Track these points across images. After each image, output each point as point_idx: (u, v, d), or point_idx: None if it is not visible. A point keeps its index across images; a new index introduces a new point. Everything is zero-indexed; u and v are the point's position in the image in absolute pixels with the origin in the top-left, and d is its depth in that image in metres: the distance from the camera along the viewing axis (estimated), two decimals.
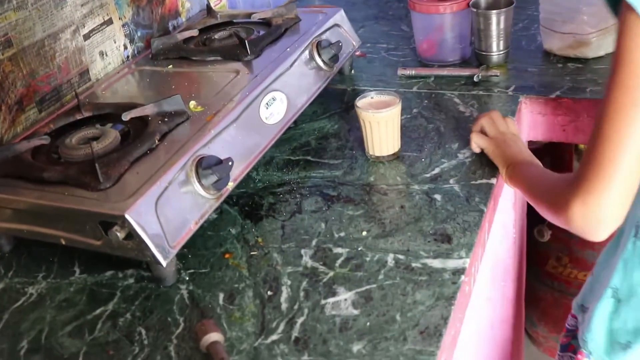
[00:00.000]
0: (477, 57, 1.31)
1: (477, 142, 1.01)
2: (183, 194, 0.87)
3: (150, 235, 0.81)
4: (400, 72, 1.30)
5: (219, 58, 1.18)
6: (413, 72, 1.30)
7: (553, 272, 1.73)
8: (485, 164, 1.01)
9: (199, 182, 0.88)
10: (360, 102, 1.04)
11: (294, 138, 1.15)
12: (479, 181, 0.97)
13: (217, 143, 0.94)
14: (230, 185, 0.93)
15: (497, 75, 1.24)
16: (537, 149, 1.36)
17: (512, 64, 1.30)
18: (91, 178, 0.85)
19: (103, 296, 0.86)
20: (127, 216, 0.79)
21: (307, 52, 1.18)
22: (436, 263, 0.83)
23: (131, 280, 0.88)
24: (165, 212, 0.84)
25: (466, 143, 1.06)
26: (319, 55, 1.19)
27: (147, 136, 0.93)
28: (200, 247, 0.92)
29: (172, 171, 0.87)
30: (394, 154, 1.04)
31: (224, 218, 0.98)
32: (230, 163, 0.90)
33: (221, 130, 0.96)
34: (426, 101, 1.21)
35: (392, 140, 1.03)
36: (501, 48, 1.28)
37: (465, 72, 1.27)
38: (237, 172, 0.96)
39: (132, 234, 0.80)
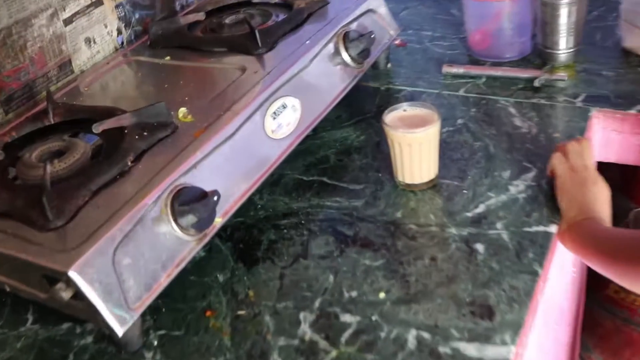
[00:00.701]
0: (539, 55, 1.08)
1: (557, 167, 0.80)
2: (154, 236, 0.69)
3: (104, 297, 0.63)
4: (446, 69, 1.09)
5: (224, 49, 0.99)
6: (461, 70, 1.08)
7: (615, 298, 1.50)
8: (543, 203, 0.79)
9: (175, 221, 0.70)
10: (389, 118, 0.83)
11: (310, 150, 0.95)
12: (535, 228, 0.76)
13: (204, 168, 0.75)
14: (218, 221, 0.74)
15: (563, 80, 1.01)
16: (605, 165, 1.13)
17: (583, 64, 1.06)
18: (38, 213, 0.68)
19: (53, 358, 0.70)
20: (71, 274, 0.62)
21: (331, 45, 0.97)
22: (471, 350, 0.63)
23: (89, 339, 0.71)
24: (127, 262, 0.66)
25: (520, 171, 0.84)
26: (346, 49, 0.98)
27: (118, 156, 0.75)
28: (178, 297, 0.74)
29: (141, 207, 0.68)
30: (429, 182, 0.84)
31: (213, 257, 0.79)
32: (215, 198, 0.72)
33: (211, 151, 0.77)
34: (474, 109, 0.99)
35: (427, 165, 0.83)
36: (570, 45, 1.04)
37: (525, 73, 1.04)
38: (230, 203, 0.77)
39: (79, 295, 0.63)
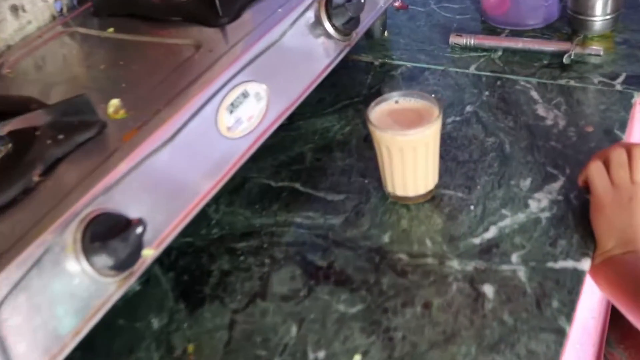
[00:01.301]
0: (569, 22, 0.88)
1: (594, 180, 0.61)
2: (58, 282, 0.52)
3: None
4: (454, 40, 0.89)
5: (179, 19, 0.80)
6: (472, 41, 0.88)
7: None
8: (573, 226, 0.61)
9: (88, 260, 0.53)
10: (375, 113, 0.65)
11: (282, 145, 0.77)
12: (561, 263, 0.58)
13: (131, 184, 0.58)
14: (149, 254, 0.58)
15: (599, 55, 0.82)
16: None
17: (623, 34, 0.87)
18: None
19: None
20: None
21: (310, 13, 0.78)
22: None
23: None
24: (15, 321, 0.50)
25: (544, 180, 0.66)
26: (329, 18, 0.79)
27: (21, 168, 0.58)
28: (101, 350, 0.58)
29: (38, 244, 0.51)
30: (426, 194, 0.66)
31: (149, 293, 0.63)
32: (140, 229, 0.54)
33: (142, 160, 0.59)
34: (487, 93, 0.80)
35: (423, 175, 0.65)
36: (608, 10, 0.84)
37: (551, 46, 0.84)
38: (168, 228, 0.60)
39: None
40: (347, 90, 0.85)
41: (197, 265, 0.65)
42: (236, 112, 0.67)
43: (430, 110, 0.64)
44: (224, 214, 0.70)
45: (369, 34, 0.94)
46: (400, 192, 0.66)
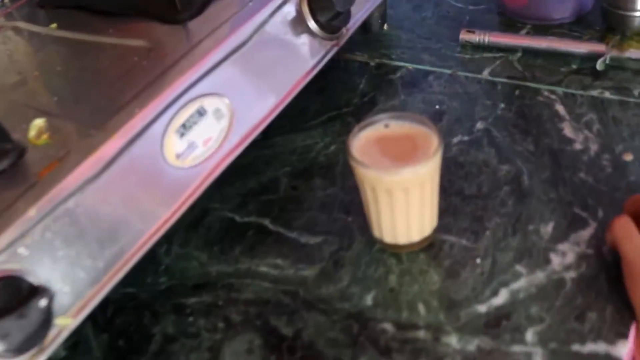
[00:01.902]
0: (603, 17, 0.74)
1: (623, 243, 0.47)
2: None
3: None
4: (465, 36, 0.75)
5: (132, 14, 0.67)
6: (487, 38, 0.74)
7: None
8: (606, 292, 0.48)
9: None
10: (358, 141, 0.52)
11: (253, 167, 0.65)
12: (591, 347, 0.45)
13: (41, 236, 0.45)
14: (65, 324, 0.46)
15: None
16: None
17: None
18: None
19: None
20: None
21: (289, 7, 0.65)
22: None
23: None
24: None
25: (570, 226, 0.53)
26: (312, 13, 0.65)
27: None
28: None
29: None
30: (421, 242, 0.53)
31: None
32: (43, 302, 0.42)
33: (60, 203, 0.47)
34: (503, 105, 0.66)
35: (418, 219, 0.51)
36: None
37: (581, 47, 0.70)
38: (94, 289, 0.48)
39: None
40: (335, 98, 0.71)
41: (136, 326, 0.52)
42: (189, 134, 0.55)
43: (428, 139, 0.50)
44: (176, 258, 0.57)
45: (365, 27, 0.80)
46: (389, 239, 0.53)
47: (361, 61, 0.76)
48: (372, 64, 0.75)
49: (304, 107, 0.70)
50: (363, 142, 0.51)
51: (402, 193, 0.49)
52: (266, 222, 0.59)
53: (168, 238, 0.58)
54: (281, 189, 0.61)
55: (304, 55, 0.66)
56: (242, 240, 0.57)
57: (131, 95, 0.54)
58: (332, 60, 0.68)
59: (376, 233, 0.54)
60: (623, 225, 0.47)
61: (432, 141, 0.50)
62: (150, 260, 0.57)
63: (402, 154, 0.50)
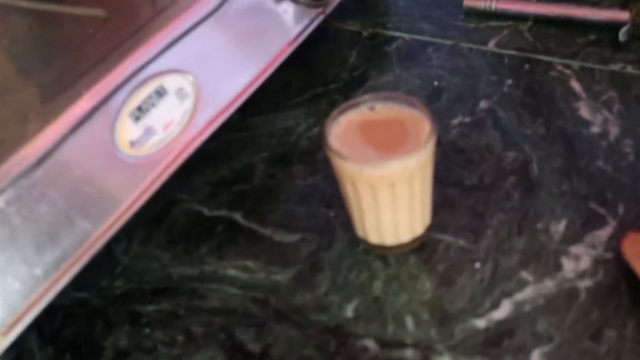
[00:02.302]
0: None
1: (633, 263, 0.39)
2: None
3: None
4: (470, 2, 0.67)
5: None
6: (493, 4, 0.66)
7: None
8: (627, 305, 0.41)
9: None
10: (338, 127, 0.44)
11: (227, 152, 0.57)
12: None
13: None
14: None
15: None
16: None
17: None
18: None
19: None
20: None
21: None
22: None
23: None
24: None
25: (586, 224, 0.46)
26: None
27: None
28: None
29: None
30: (412, 242, 0.46)
31: None
32: None
33: None
34: (510, 80, 0.58)
35: (407, 218, 0.44)
36: None
37: (600, 14, 0.62)
38: (34, 297, 0.42)
39: None
40: (321, 72, 0.63)
41: (86, 337, 0.46)
42: (145, 118, 0.48)
43: (419, 124, 0.43)
44: (135, 257, 0.50)
45: None
46: (374, 239, 0.46)
47: (352, 31, 0.68)
48: (364, 34, 0.67)
49: (285, 83, 0.63)
50: (343, 128, 0.44)
51: (388, 188, 0.41)
52: (237, 216, 0.52)
53: (128, 234, 0.52)
54: (256, 178, 0.54)
55: (285, 24, 0.59)
56: (209, 237, 0.50)
57: (78, 73, 0.47)
58: (319, 30, 0.60)
59: (360, 232, 0.46)
60: (632, 246, 0.39)
61: (424, 126, 0.42)
62: (106, 261, 0.50)
63: (388, 142, 0.42)
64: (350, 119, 0.44)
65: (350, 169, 0.41)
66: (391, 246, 0.46)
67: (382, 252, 0.46)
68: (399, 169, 0.40)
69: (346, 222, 0.49)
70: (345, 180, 0.43)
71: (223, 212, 0.52)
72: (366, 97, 0.45)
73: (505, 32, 0.64)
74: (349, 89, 0.61)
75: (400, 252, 0.46)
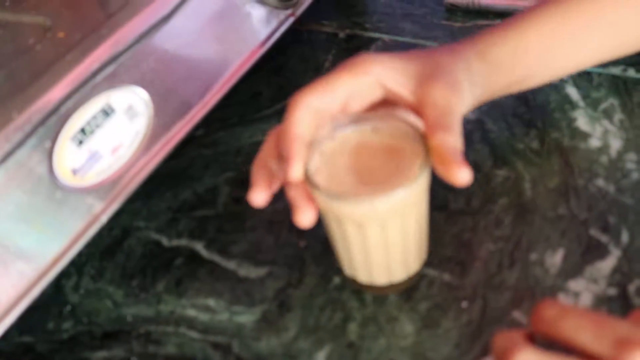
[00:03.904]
0: None
1: None
2: None
3: None
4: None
5: None
6: (479, 1, 0.60)
7: None
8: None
9: None
10: (320, 157, 0.38)
11: (189, 171, 0.52)
12: None
13: None
14: None
15: None
16: None
17: None
18: None
19: None
20: None
21: None
22: None
23: None
24: None
25: (585, 254, 0.41)
26: None
27: None
28: None
29: None
30: (408, 280, 0.41)
31: None
32: None
33: None
34: None
35: (401, 255, 0.39)
36: None
37: None
38: None
39: None
40: (294, 79, 0.58)
41: None
42: (89, 142, 0.43)
43: (412, 146, 0.37)
44: (86, 295, 0.45)
45: None
46: (363, 278, 0.40)
47: (328, 32, 0.63)
48: (341, 35, 0.62)
49: (254, 93, 0.57)
50: (324, 157, 0.38)
51: (378, 228, 0.36)
52: (199, 246, 0.46)
53: (78, 268, 0.47)
54: (220, 202, 0.49)
55: (251, 27, 0.54)
56: (167, 272, 0.45)
57: (11, 90, 0.42)
58: (292, 32, 0.55)
59: (347, 270, 0.41)
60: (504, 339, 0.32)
61: (417, 150, 0.36)
62: (55, 298, 0.45)
63: (380, 171, 0.36)
64: (347, 137, 0.38)
65: (332, 206, 0.36)
66: (380, 287, 0.40)
67: (375, 293, 0.41)
68: (388, 207, 0.35)
69: (318, 254, 0.44)
70: (330, 219, 0.37)
71: (183, 242, 0.47)
72: (340, 120, 0.39)
73: None
74: None
75: (389, 293, 0.41)
